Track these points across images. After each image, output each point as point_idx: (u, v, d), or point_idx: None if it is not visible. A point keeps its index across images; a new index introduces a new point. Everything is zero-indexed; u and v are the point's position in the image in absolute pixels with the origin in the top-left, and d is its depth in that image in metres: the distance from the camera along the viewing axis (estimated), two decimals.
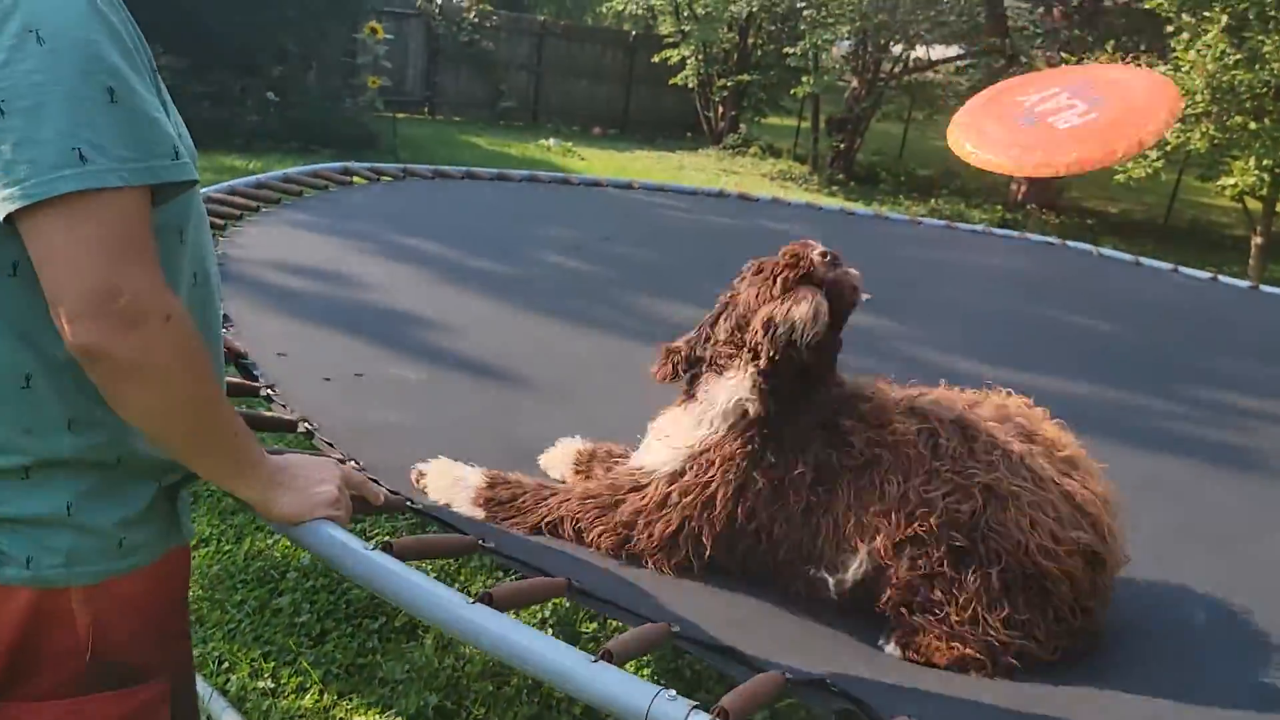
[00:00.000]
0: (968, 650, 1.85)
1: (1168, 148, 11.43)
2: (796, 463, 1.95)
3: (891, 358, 3.33)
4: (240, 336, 2.77)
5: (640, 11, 19.69)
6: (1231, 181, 11.13)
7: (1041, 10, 17.48)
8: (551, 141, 17.46)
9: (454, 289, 3.69)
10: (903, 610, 1.91)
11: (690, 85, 18.97)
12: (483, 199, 5.27)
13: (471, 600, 1.57)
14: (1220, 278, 6.07)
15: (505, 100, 19.28)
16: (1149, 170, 11.82)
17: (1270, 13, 11.10)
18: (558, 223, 5.01)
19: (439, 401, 2.74)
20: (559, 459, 2.42)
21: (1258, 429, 3.38)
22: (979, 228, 6.81)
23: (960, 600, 1.86)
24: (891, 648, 1.92)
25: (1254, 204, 12.17)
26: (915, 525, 1.87)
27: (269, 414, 2.35)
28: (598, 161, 16.71)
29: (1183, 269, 6.14)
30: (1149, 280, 5.81)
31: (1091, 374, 3.64)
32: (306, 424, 2.32)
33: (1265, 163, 10.95)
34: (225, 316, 2.87)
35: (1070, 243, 6.61)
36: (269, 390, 2.46)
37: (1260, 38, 10.95)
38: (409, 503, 2.06)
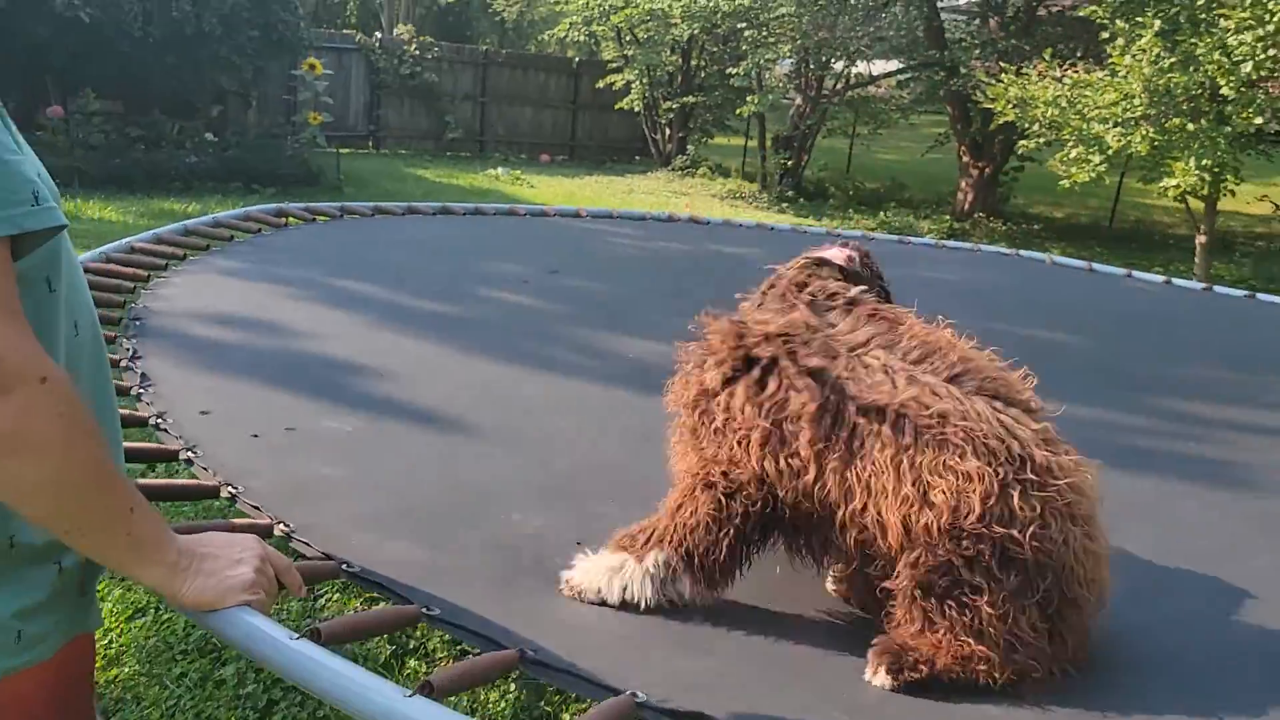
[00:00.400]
0: (980, 648, 1.70)
1: (1110, 151, 11.55)
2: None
3: None
4: (160, 396, 2.59)
5: (583, 38, 19.68)
6: (1174, 182, 11.24)
7: (978, 22, 17.70)
8: (500, 170, 17.35)
9: (393, 332, 3.52)
10: (917, 592, 1.73)
11: (636, 109, 18.97)
12: (425, 235, 5.11)
13: (409, 693, 1.41)
14: (1174, 280, 6.07)
15: (451, 131, 19.15)
16: (1093, 175, 11.92)
17: (1200, 15, 11.28)
18: (503, 257, 4.86)
19: (378, 453, 2.57)
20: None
21: (1225, 439, 3.30)
22: (930, 240, 6.77)
23: (998, 596, 1.69)
24: (881, 677, 1.74)
25: (1196, 204, 12.31)
26: (977, 522, 1.68)
27: (187, 480, 2.17)
28: (547, 189, 16.59)
29: (1136, 273, 6.12)
30: (1103, 286, 5.78)
31: (1051, 387, 3.54)
32: (230, 488, 2.15)
33: (1204, 163, 11.08)
34: (143, 376, 2.69)
35: (1023, 252, 6.59)
36: (189, 453, 2.28)
37: (1192, 40, 11.10)
38: (344, 567, 1.90)
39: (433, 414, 2.85)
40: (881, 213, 17.05)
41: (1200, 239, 12.57)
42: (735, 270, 5.14)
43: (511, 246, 5.12)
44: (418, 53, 18.47)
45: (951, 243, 6.66)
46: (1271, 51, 10.65)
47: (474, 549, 2.10)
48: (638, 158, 21.03)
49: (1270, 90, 11.30)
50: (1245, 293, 5.82)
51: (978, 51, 16.52)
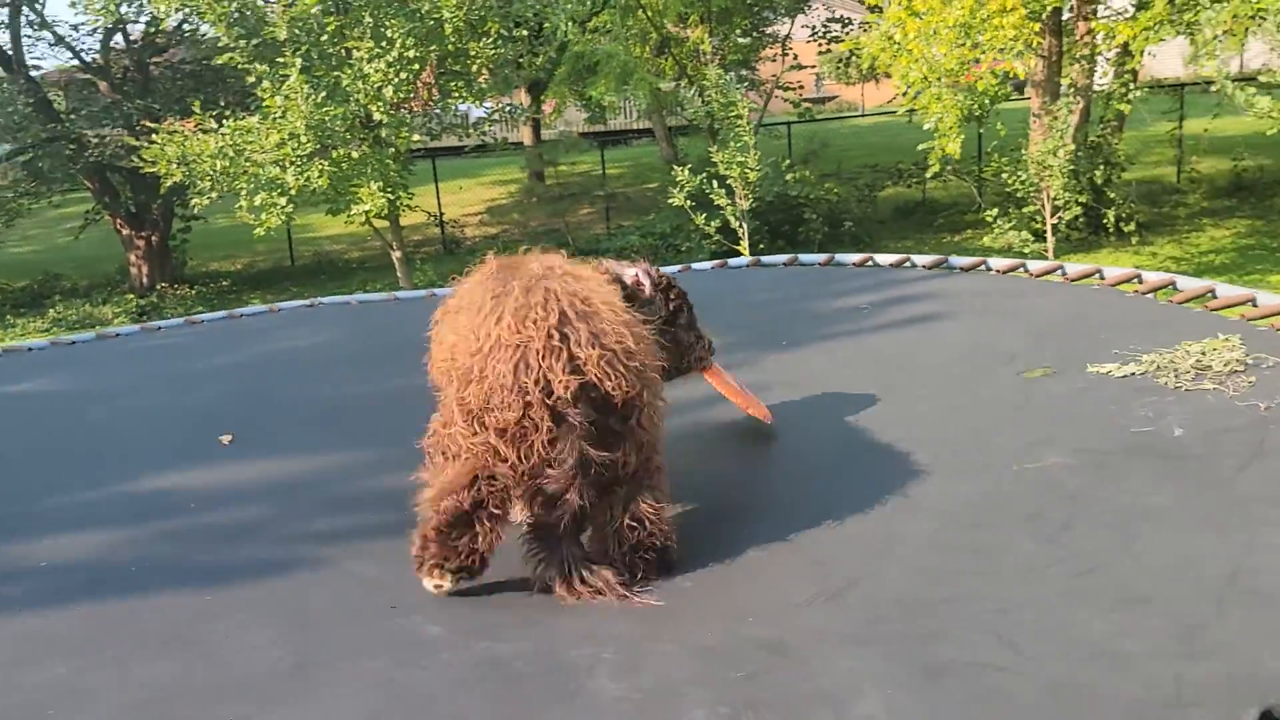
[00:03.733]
0: None
1: (292, 191, 11.54)
2: None
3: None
4: None
5: None
6: (365, 207, 11.70)
7: (88, 90, 16.25)
8: None
9: None
10: None
11: None
12: None
13: None
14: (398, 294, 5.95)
15: None
16: (284, 217, 11.84)
17: (330, 50, 11.79)
18: None
19: None
20: None
21: None
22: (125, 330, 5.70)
23: None
24: None
25: (382, 224, 12.98)
26: None
27: None
28: None
29: (397, 293, 6.05)
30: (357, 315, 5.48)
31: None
32: None
33: (378, 185, 11.73)
34: None
35: (208, 315, 5.82)
36: None
37: (335, 74, 11.58)
38: None
39: None
40: (52, 309, 14.88)
41: (396, 255, 13.36)
42: None
43: None
44: None
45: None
46: (403, 75, 11.61)
47: None
48: None
49: (413, 108, 12.38)
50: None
51: (104, 118, 15.23)
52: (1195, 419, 2.72)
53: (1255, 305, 3.64)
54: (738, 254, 11.86)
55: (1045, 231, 10.64)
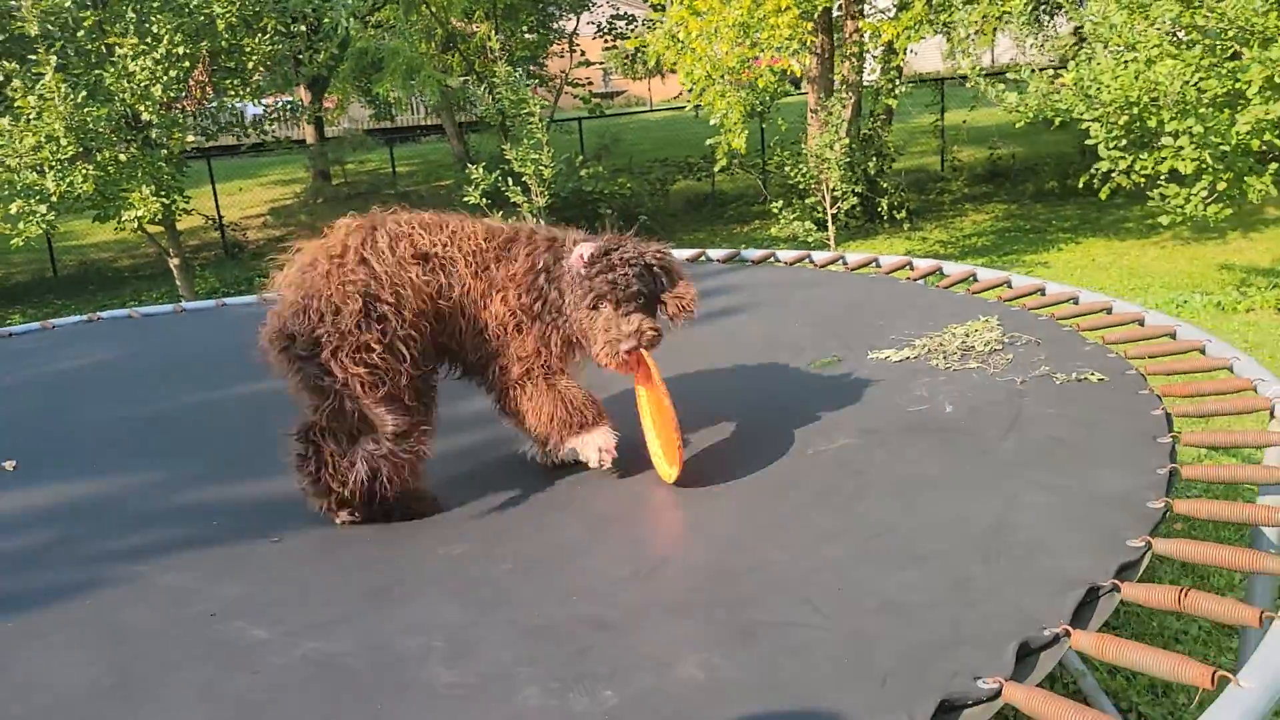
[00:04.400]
0: None
1: (54, 198, 10.76)
2: None
3: None
4: None
5: None
6: (139, 213, 11.05)
7: None
8: None
9: None
10: None
11: None
12: None
13: None
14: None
15: None
16: (45, 226, 11.00)
17: (88, 46, 11.05)
18: None
19: None
20: None
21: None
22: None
23: None
24: None
25: (157, 229, 12.29)
26: None
27: None
28: None
29: (184, 304, 5.75)
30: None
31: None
32: None
33: (151, 189, 11.10)
34: None
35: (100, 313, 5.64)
36: None
37: (96, 72, 10.86)
38: None
39: None
40: None
41: (174, 261, 12.66)
42: None
43: None
44: None
45: (61, 321, 5.40)
46: (173, 72, 11.02)
47: None
48: None
49: (186, 107, 11.74)
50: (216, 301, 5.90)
51: None
52: (962, 396, 3.01)
53: (1010, 286, 4.05)
54: None
55: (827, 221, 11.25)
